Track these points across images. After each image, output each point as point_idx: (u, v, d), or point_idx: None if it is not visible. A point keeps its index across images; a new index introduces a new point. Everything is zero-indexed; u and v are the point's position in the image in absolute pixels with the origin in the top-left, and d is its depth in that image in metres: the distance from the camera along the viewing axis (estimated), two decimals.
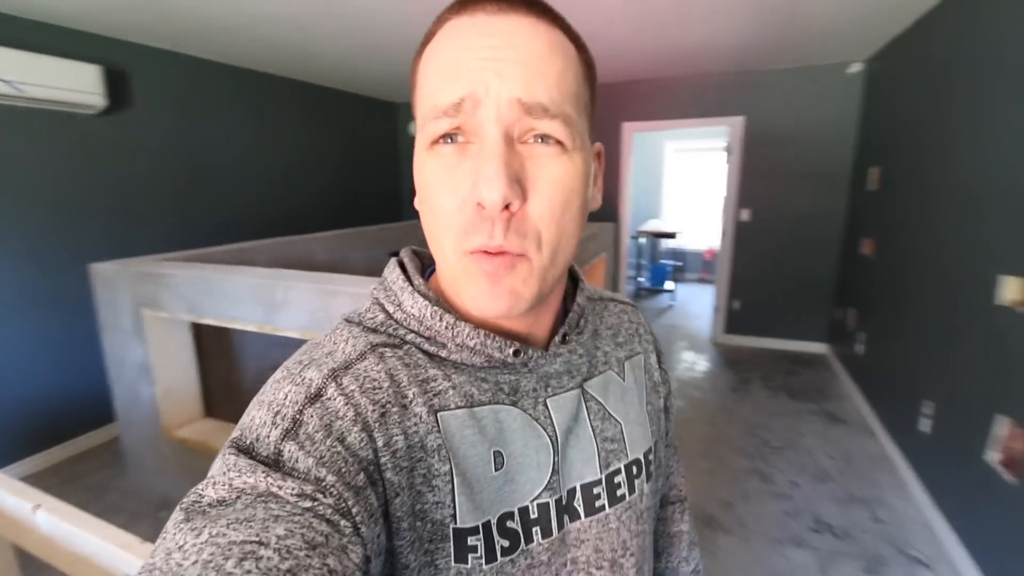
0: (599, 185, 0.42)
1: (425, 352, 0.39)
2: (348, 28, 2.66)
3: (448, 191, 0.34)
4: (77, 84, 2.47)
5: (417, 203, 0.39)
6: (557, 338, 0.43)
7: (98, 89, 2.54)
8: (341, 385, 0.34)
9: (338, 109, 4.28)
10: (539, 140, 0.34)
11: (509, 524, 0.37)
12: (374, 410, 0.34)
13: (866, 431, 2.82)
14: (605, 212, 4.38)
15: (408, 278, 0.41)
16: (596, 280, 3.84)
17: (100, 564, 0.82)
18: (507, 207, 0.32)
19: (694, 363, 3.91)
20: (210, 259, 2.34)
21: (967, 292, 1.92)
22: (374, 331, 0.39)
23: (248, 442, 0.31)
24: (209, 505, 0.28)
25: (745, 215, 4.04)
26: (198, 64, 3.14)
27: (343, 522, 0.28)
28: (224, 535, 0.25)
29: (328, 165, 4.22)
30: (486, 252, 0.34)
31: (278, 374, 0.36)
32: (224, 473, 0.29)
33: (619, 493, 0.44)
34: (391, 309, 0.41)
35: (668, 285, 6.13)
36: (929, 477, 2.14)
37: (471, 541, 0.35)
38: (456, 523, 0.35)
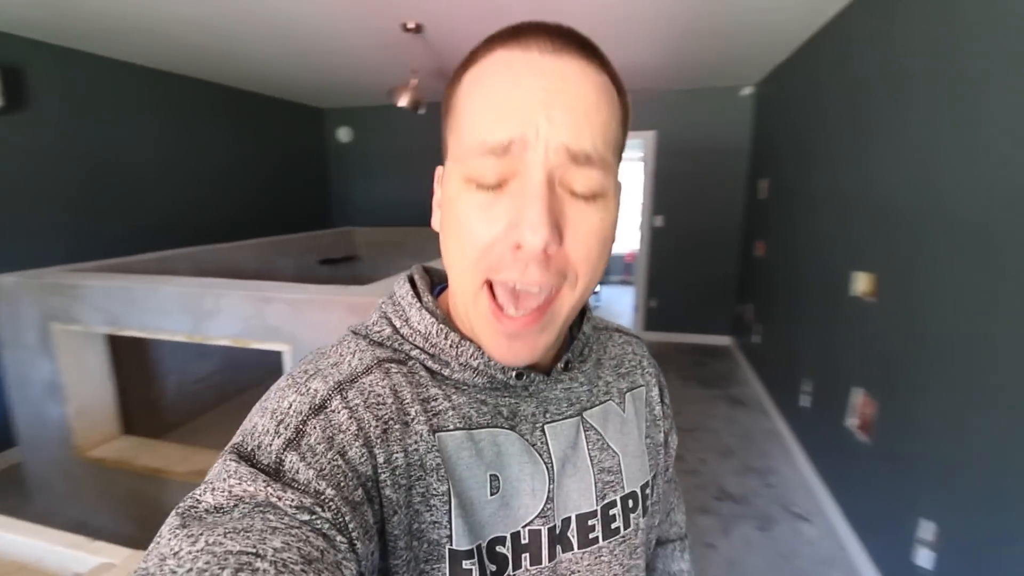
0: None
1: (428, 369, 0.39)
2: (268, 35, 2.65)
3: (483, 226, 0.33)
4: None
5: (437, 225, 0.39)
6: (560, 364, 0.43)
7: None
8: (346, 398, 0.34)
9: (262, 114, 4.17)
10: (584, 191, 0.34)
11: (499, 549, 0.37)
12: (377, 426, 0.34)
13: (762, 411, 3.20)
14: None
15: (417, 294, 0.42)
16: None
17: (48, 568, 0.84)
18: (546, 251, 0.33)
19: None
20: (126, 269, 2.25)
21: (831, 286, 2.28)
22: (380, 345, 0.40)
23: (249, 449, 0.31)
24: (206, 511, 0.27)
25: (659, 221, 4.40)
26: (106, 64, 2.97)
27: (339, 537, 0.28)
28: (221, 544, 0.25)
29: (253, 171, 4.09)
30: (499, 305, 0.35)
31: (283, 382, 0.36)
32: (224, 479, 0.29)
33: (614, 526, 0.43)
34: (398, 324, 0.41)
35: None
36: (809, 445, 2.49)
37: (466, 564, 0.35)
38: (452, 544, 0.35)
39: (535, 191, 0.32)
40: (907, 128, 1.73)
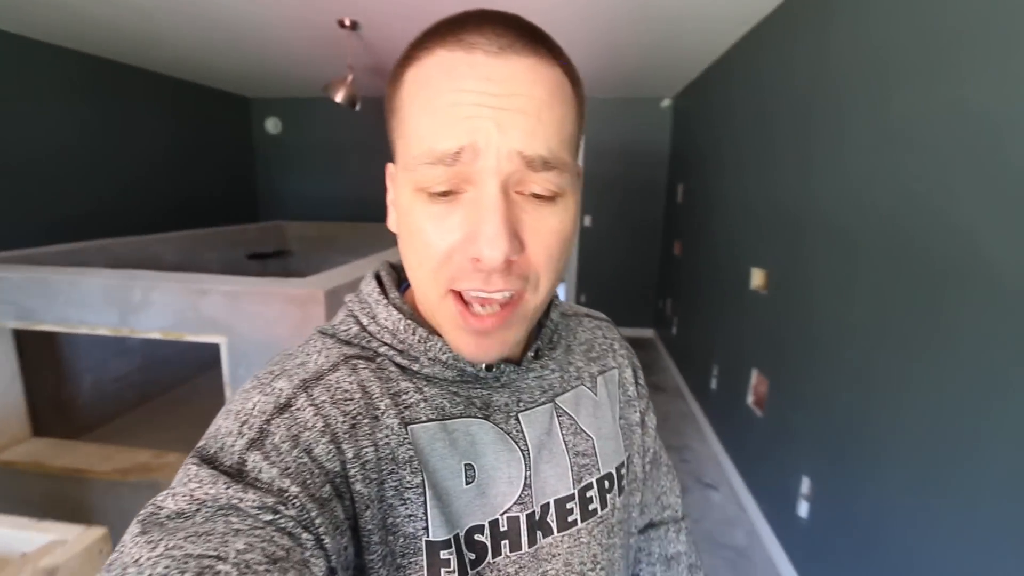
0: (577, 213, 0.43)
1: (398, 365, 0.39)
2: (196, 17, 2.56)
3: (440, 236, 0.33)
4: None
5: (393, 225, 0.39)
6: (530, 354, 0.43)
7: None
8: (311, 396, 0.34)
9: (183, 101, 3.95)
10: (541, 196, 0.33)
11: (477, 537, 0.37)
12: (344, 421, 0.34)
13: (679, 396, 3.50)
14: None
15: (384, 291, 0.42)
16: None
17: None
18: (506, 259, 0.32)
19: None
20: (35, 261, 2.10)
21: (733, 281, 2.58)
22: (348, 343, 0.40)
23: (212, 452, 0.31)
24: (168, 517, 0.27)
25: (587, 221, 4.65)
26: (31, 45, 2.73)
27: (305, 535, 0.28)
28: (181, 548, 0.24)
29: (174, 161, 3.88)
30: (466, 306, 0.34)
31: (247, 384, 0.36)
32: (185, 484, 0.28)
33: (591, 508, 0.44)
34: (365, 321, 0.41)
35: None
36: (717, 424, 2.79)
37: (444, 555, 0.35)
38: (429, 536, 0.35)
39: (491, 203, 0.31)
40: (789, 142, 2.02)
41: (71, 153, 3.11)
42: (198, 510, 0.27)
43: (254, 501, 0.28)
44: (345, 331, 0.41)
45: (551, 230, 0.34)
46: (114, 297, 1.70)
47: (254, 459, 0.30)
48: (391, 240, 3.23)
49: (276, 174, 4.93)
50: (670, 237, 4.23)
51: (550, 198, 0.34)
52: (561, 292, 6.24)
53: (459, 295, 0.34)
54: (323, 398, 0.34)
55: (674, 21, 2.44)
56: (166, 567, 0.23)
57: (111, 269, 1.91)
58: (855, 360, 1.52)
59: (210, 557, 0.24)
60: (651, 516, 0.57)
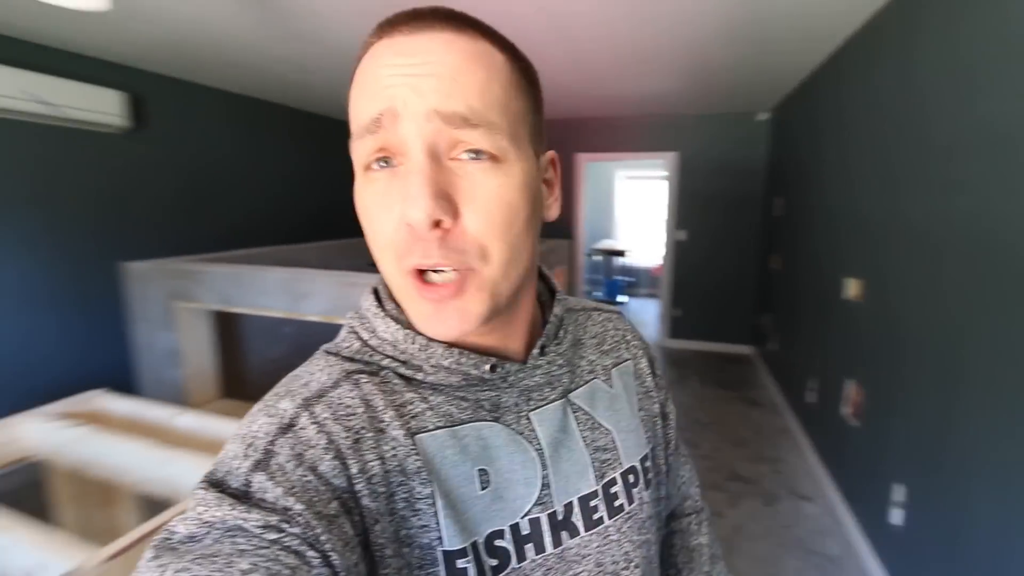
0: (555, 194, 0.42)
1: (402, 376, 0.38)
2: (339, 67, 3.11)
3: (383, 214, 0.34)
4: (102, 107, 2.80)
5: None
6: (535, 350, 0.42)
7: (121, 111, 2.88)
8: (313, 414, 0.34)
9: (326, 134, 4.69)
10: (471, 155, 0.33)
11: (498, 543, 0.37)
12: (347, 436, 0.34)
13: (775, 411, 3.44)
14: (560, 230, 4.96)
15: (380, 304, 0.41)
16: None
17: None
18: (438, 224, 0.32)
19: None
20: (227, 260, 2.71)
21: (828, 292, 2.56)
22: (351, 360, 0.39)
23: (220, 476, 0.31)
24: (180, 542, 0.28)
25: (682, 235, 4.70)
26: (204, 91, 3.51)
27: (311, 552, 0.28)
28: (187, 570, 0.25)
29: (315, 183, 4.60)
30: (423, 280, 0.34)
31: (255, 407, 0.36)
32: (194, 508, 0.29)
33: (617, 504, 0.43)
34: (366, 336, 0.41)
35: (621, 299, 6.77)
36: (813, 436, 2.74)
37: (460, 564, 0.34)
38: (444, 546, 0.34)
39: (413, 165, 0.32)
40: (880, 153, 2.03)
41: (243, 177, 3.86)
42: (208, 533, 0.28)
43: (258, 521, 0.28)
44: (348, 348, 0.41)
45: (489, 194, 0.33)
46: (287, 288, 2.17)
47: (259, 480, 0.30)
48: None
49: None
50: (767, 252, 4.16)
51: (488, 161, 0.33)
52: (654, 307, 6.26)
53: (417, 274, 0.34)
54: (325, 415, 0.34)
55: (760, 43, 2.54)
56: None
57: (283, 267, 2.42)
58: (948, 365, 1.53)
59: None
60: (672, 507, 0.58)
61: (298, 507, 0.29)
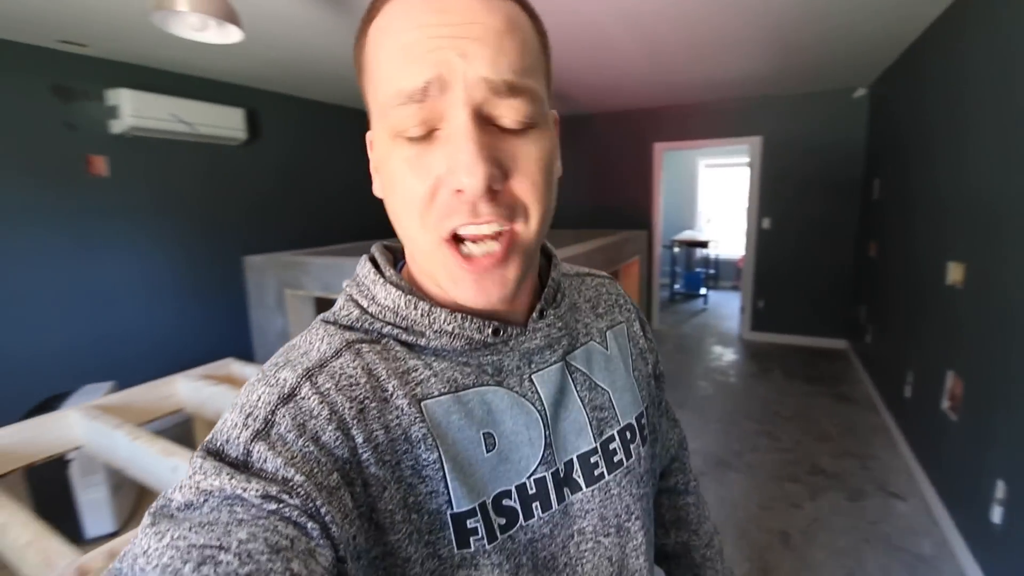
0: (558, 153, 0.41)
1: (404, 343, 0.38)
2: None
3: (418, 178, 0.33)
4: (228, 123, 3.25)
5: (379, 191, 0.38)
6: (535, 314, 0.42)
7: (241, 126, 3.33)
8: (316, 384, 0.34)
9: None
10: (515, 122, 0.33)
11: (506, 502, 0.37)
12: (351, 407, 0.33)
13: (870, 408, 3.21)
14: (637, 220, 4.92)
15: (380, 271, 0.41)
16: (630, 280, 4.37)
17: None
18: (490, 189, 0.32)
19: (721, 355, 4.36)
20: (326, 253, 3.05)
21: (928, 278, 2.37)
22: (350, 328, 0.39)
23: (218, 444, 0.31)
24: (177, 509, 0.28)
25: (767, 223, 4.49)
26: (310, 104, 3.94)
27: (311, 524, 0.28)
28: (185, 538, 0.25)
29: None
30: (462, 254, 0.34)
31: (253, 377, 0.36)
32: (191, 476, 0.29)
33: (616, 459, 0.44)
34: (365, 304, 0.40)
35: (701, 291, 6.56)
36: (910, 433, 2.56)
37: (470, 524, 0.35)
38: (453, 509, 0.35)
39: (464, 132, 0.31)
40: (996, 128, 1.86)
41: (343, 182, 4.27)
42: (205, 501, 0.28)
43: (257, 491, 0.28)
44: (347, 316, 0.40)
45: (531, 158, 0.34)
46: None
47: (259, 450, 0.30)
48: (563, 239, 3.67)
49: None
50: (866, 237, 3.86)
51: (523, 130, 0.34)
52: (736, 301, 5.99)
53: (452, 242, 0.34)
54: (328, 385, 0.34)
55: (850, 13, 2.40)
56: (171, 557, 0.24)
57: None
58: None
59: (212, 547, 0.25)
60: (661, 466, 0.62)
61: (298, 478, 0.29)
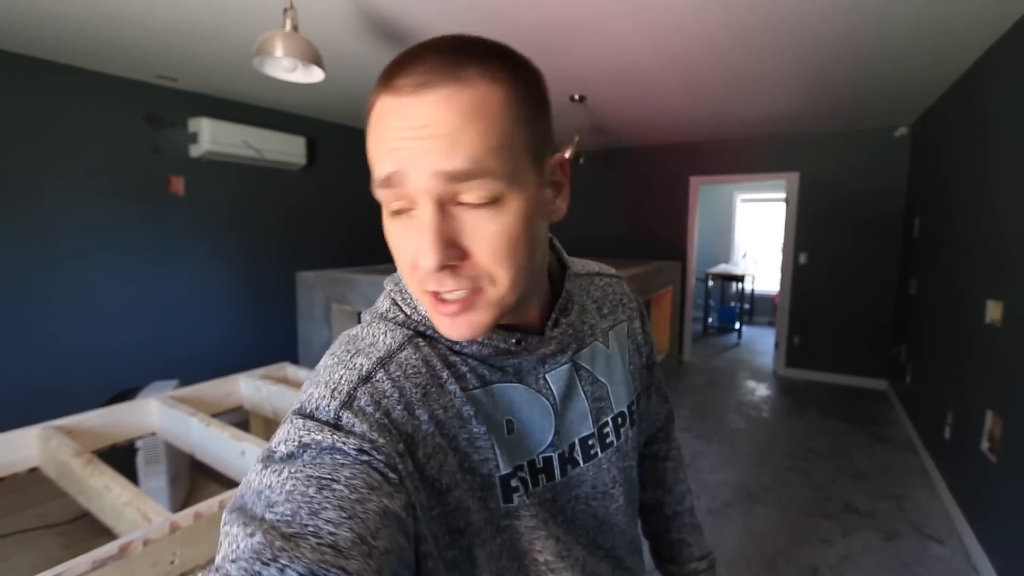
0: (563, 193, 0.45)
1: (445, 344, 0.46)
2: None
3: (405, 247, 0.39)
4: (291, 150, 3.55)
5: None
6: (549, 323, 0.49)
7: (302, 153, 3.62)
8: (388, 371, 0.41)
9: None
10: (473, 202, 0.37)
11: (520, 473, 0.46)
12: (416, 391, 0.41)
13: (909, 449, 3.12)
14: (672, 251, 4.98)
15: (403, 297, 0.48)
16: (663, 311, 4.40)
17: None
18: (445, 267, 0.37)
19: (754, 389, 4.31)
20: (371, 272, 3.24)
21: (968, 317, 2.35)
22: (402, 326, 0.46)
23: (309, 411, 0.38)
24: (281, 458, 0.35)
25: (803, 258, 4.47)
26: (360, 134, 4.24)
27: (391, 475, 0.36)
28: (301, 471, 0.33)
29: None
30: (439, 299, 0.39)
31: (329, 360, 0.43)
32: (294, 433, 0.36)
33: (608, 440, 0.53)
34: (408, 311, 0.47)
35: (736, 326, 6.49)
36: (949, 475, 2.49)
37: (513, 483, 0.45)
38: (500, 471, 0.44)
39: (424, 221, 0.36)
40: None
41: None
42: (305, 451, 0.35)
43: (354, 444, 0.35)
44: (395, 317, 0.47)
45: (492, 234, 0.38)
46: None
47: (347, 416, 0.37)
48: None
49: None
50: (907, 276, 3.81)
51: (486, 204, 0.37)
52: (772, 335, 5.89)
53: (431, 293, 0.40)
54: (397, 373, 0.42)
55: (888, 59, 2.48)
56: (293, 484, 0.31)
57: None
58: None
59: (326, 479, 0.32)
60: (648, 434, 0.71)
61: (381, 441, 0.37)
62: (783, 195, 4.66)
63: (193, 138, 3.05)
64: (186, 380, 2.24)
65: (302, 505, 0.31)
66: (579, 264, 0.61)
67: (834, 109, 3.54)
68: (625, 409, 0.56)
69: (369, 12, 2.00)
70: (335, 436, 0.36)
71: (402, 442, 0.39)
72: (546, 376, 0.49)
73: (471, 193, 0.37)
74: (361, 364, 0.41)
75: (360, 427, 0.37)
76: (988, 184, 2.30)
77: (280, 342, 3.67)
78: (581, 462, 0.51)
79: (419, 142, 0.36)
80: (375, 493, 0.33)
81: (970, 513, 2.18)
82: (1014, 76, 2.08)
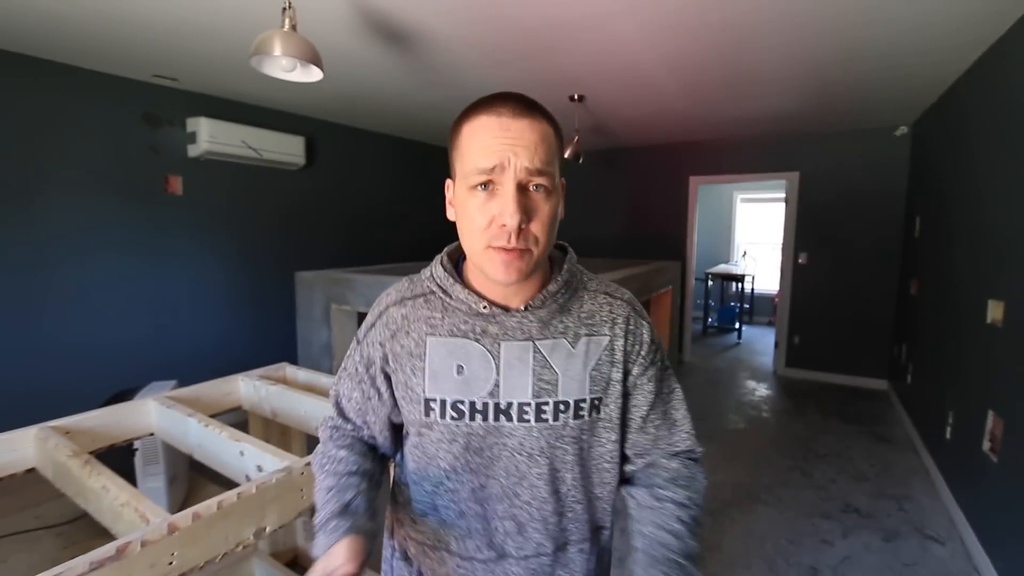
0: (561, 204, 0.65)
1: (440, 299, 0.67)
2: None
3: (482, 215, 0.58)
4: (290, 149, 3.53)
5: (452, 216, 0.66)
6: (521, 306, 0.65)
7: (301, 152, 3.61)
8: (383, 319, 0.69)
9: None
10: (537, 188, 0.58)
11: (459, 405, 0.64)
12: (388, 334, 0.68)
13: (910, 449, 3.12)
14: (671, 251, 4.97)
15: (441, 261, 0.69)
16: (662, 310, 4.40)
17: None
18: (519, 225, 0.56)
19: (754, 389, 4.30)
20: (370, 272, 3.23)
21: (969, 316, 2.34)
22: (418, 282, 0.70)
23: (360, 335, 0.73)
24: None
25: (802, 258, 4.47)
26: (359, 133, 4.23)
27: (370, 442, 0.75)
28: (348, 386, 0.74)
29: (443, 207, 5.19)
30: (504, 249, 0.58)
31: (384, 291, 0.73)
32: (330, 413, 0.77)
33: (544, 416, 0.64)
34: (429, 273, 0.70)
35: (735, 325, 6.48)
36: (951, 475, 2.48)
37: (432, 404, 0.65)
38: (425, 393, 0.65)
39: (510, 195, 0.56)
40: None
41: (391, 205, 4.51)
42: (336, 428, 0.75)
43: (349, 429, 0.75)
44: (428, 274, 0.70)
45: (545, 211, 0.59)
46: None
47: (343, 401, 0.75)
48: (597, 267, 3.76)
49: None
50: (907, 277, 3.80)
51: (544, 193, 0.59)
52: (772, 335, 5.88)
53: (495, 248, 0.59)
54: (383, 321, 0.69)
55: (886, 58, 2.47)
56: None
57: None
58: None
59: (347, 443, 0.73)
60: (651, 459, 0.72)
61: (361, 422, 0.74)
62: (783, 195, 4.65)
63: (191, 138, 3.04)
64: (184, 380, 2.23)
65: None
66: (596, 281, 0.73)
67: (834, 109, 3.53)
68: (571, 401, 0.65)
69: (368, 12, 1.99)
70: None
71: (380, 372, 0.69)
72: (501, 343, 0.64)
73: (536, 183, 0.58)
74: (379, 310, 0.71)
75: (351, 412, 0.75)
76: (989, 183, 2.30)
77: (279, 342, 3.66)
78: (514, 419, 0.64)
79: (516, 147, 0.57)
80: (369, 453, 0.75)
81: (971, 513, 2.17)
82: (1016, 74, 2.08)
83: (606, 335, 0.68)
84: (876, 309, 4.21)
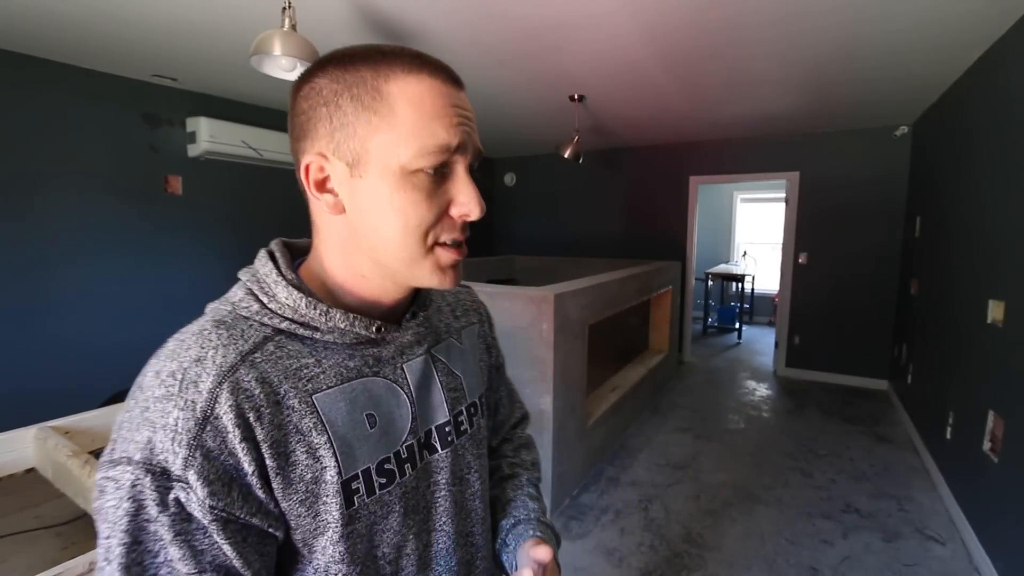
0: None
1: (299, 337, 0.45)
2: (480, 109, 3.56)
3: (429, 204, 0.44)
4: (289, 149, 3.53)
5: (330, 208, 0.45)
6: (408, 315, 0.53)
7: None
8: (226, 398, 0.39)
9: None
10: (472, 174, 0.48)
11: (387, 466, 0.48)
12: (252, 415, 0.40)
13: (910, 449, 3.12)
14: (671, 251, 4.97)
15: (280, 271, 0.47)
16: (662, 310, 4.40)
17: None
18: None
19: (754, 389, 4.30)
20: None
21: (969, 316, 2.34)
22: (246, 319, 0.45)
23: (158, 469, 0.37)
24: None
25: (803, 258, 4.46)
26: None
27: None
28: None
29: None
30: (457, 248, 0.47)
31: (158, 390, 0.39)
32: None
33: (463, 428, 0.57)
34: (265, 300, 0.45)
35: (735, 325, 6.48)
36: (952, 476, 2.48)
37: (354, 486, 0.45)
38: (342, 477, 0.44)
39: (469, 181, 0.46)
40: None
41: None
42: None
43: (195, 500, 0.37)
44: (246, 308, 0.45)
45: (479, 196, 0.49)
46: None
47: (186, 497, 0.37)
48: (597, 267, 3.76)
49: (510, 217, 6.02)
50: (908, 275, 3.80)
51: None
52: (773, 335, 5.88)
53: (443, 245, 0.46)
54: (231, 401, 0.39)
55: (886, 57, 2.47)
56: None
57: None
58: None
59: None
60: (501, 433, 0.75)
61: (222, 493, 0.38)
62: (783, 195, 4.65)
63: (191, 137, 3.04)
64: None
65: None
66: None
67: (834, 109, 3.53)
68: (476, 400, 0.61)
69: (368, 11, 1.99)
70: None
71: (256, 478, 0.40)
72: (404, 366, 0.51)
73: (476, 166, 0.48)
74: (194, 401, 0.38)
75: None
76: (990, 183, 2.30)
77: None
78: (439, 448, 0.54)
79: (471, 124, 0.46)
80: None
81: (972, 514, 2.17)
82: (1016, 74, 2.07)
83: (475, 323, 0.66)
84: (876, 309, 4.21)
